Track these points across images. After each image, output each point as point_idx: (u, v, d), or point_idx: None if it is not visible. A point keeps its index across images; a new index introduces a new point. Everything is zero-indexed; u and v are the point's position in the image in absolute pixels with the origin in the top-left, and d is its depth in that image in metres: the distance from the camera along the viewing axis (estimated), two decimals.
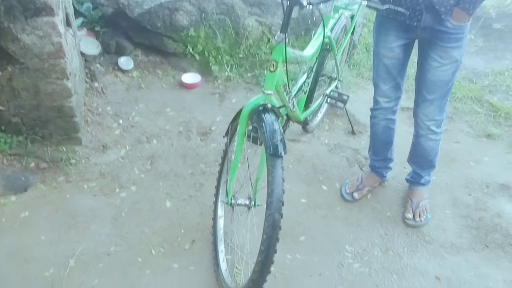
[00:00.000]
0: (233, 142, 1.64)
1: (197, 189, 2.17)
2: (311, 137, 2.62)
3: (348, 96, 2.24)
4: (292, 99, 1.83)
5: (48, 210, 2.03)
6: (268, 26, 3.25)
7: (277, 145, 1.33)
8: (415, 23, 1.63)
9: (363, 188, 2.18)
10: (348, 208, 2.14)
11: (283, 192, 1.29)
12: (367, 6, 1.31)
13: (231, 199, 1.63)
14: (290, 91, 1.73)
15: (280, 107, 1.52)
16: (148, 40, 3.10)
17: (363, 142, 2.60)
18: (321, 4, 1.31)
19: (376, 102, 2.03)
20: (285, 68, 1.51)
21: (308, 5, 1.29)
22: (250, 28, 3.18)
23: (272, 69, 1.46)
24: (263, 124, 1.40)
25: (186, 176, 2.25)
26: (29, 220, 1.98)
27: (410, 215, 2.06)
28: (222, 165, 1.81)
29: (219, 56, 3.17)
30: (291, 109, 1.89)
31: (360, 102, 3.01)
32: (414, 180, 2.14)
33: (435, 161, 2.07)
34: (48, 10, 1.97)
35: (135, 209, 2.05)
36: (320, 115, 2.70)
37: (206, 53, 3.14)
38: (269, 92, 1.49)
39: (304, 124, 2.27)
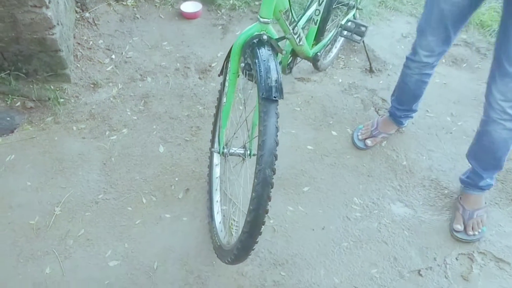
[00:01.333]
0: (226, 81, 1.41)
1: (193, 133, 1.98)
2: (323, 76, 2.34)
3: (366, 27, 1.92)
4: (298, 30, 1.55)
5: (34, 153, 1.89)
6: None
7: (270, 87, 1.09)
8: None
9: (378, 135, 1.93)
10: (359, 156, 1.93)
11: (277, 144, 1.08)
12: None
13: (224, 148, 1.44)
14: (294, 19, 1.45)
15: (279, 39, 1.25)
16: None
17: (381, 82, 2.31)
18: None
19: (414, 52, 1.66)
20: None
21: None
22: None
23: None
24: (256, 61, 1.16)
25: (182, 118, 2.05)
26: (14, 163, 1.85)
27: (460, 227, 1.63)
28: (217, 108, 1.59)
29: None
30: (297, 42, 1.61)
31: (381, 36, 2.66)
32: (471, 182, 1.68)
33: (503, 160, 1.58)
34: None
35: (126, 154, 1.89)
36: (334, 51, 2.40)
37: None
38: (266, 20, 1.22)
39: (315, 60, 1.98)
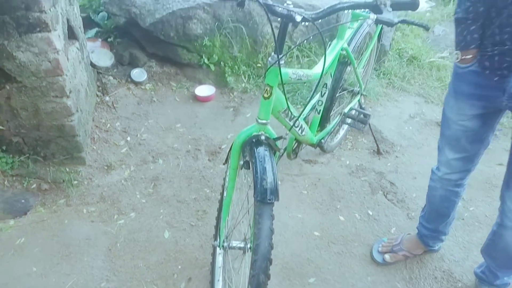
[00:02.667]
0: (227, 175, 1.44)
1: (200, 217, 1.99)
2: (331, 157, 2.36)
3: (369, 115, 1.97)
4: (299, 123, 1.60)
5: (44, 237, 1.92)
6: (289, 33, 3.01)
7: (265, 189, 1.11)
8: (501, 86, 1.18)
9: (399, 251, 1.77)
10: (367, 245, 1.87)
11: (272, 248, 1.07)
12: (376, 22, 1.06)
13: (224, 241, 1.43)
14: (294, 115, 1.50)
15: (276, 139, 1.30)
16: (162, 51, 2.97)
17: (389, 164, 2.31)
18: (319, 19, 1.08)
19: (437, 166, 1.57)
20: (283, 91, 1.29)
21: (302, 22, 1.06)
22: (269, 35, 2.97)
23: (266, 95, 1.25)
24: (254, 160, 1.19)
25: (189, 201, 2.07)
26: (23, 247, 1.87)
27: None
28: (221, 200, 1.61)
29: (236, 66, 2.99)
30: (299, 133, 1.66)
31: (389, 117, 2.71)
32: (486, 279, 1.59)
33: None
34: (43, 26, 1.86)
35: (131, 239, 1.90)
36: (342, 132, 2.44)
37: (222, 63, 2.97)
38: (264, 121, 1.27)
39: (319, 146, 2.02)
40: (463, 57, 1.23)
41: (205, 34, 2.84)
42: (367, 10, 1.34)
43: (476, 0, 1.15)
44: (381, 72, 3.11)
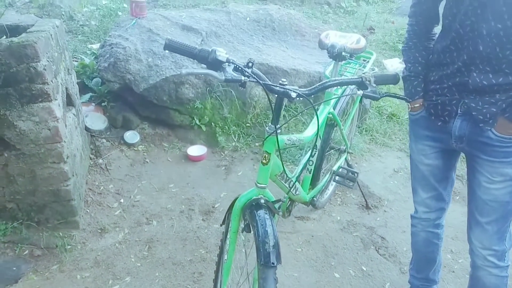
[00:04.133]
0: (227, 238, 1.48)
1: (196, 279, 1.99)
2: (322, 214, 2.43)
3: (357, 174, 2.08)
4: (293, 184, 1.69)
5: None
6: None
7: (268, 253, 1.16)
8: (447, 130, 1.35)
9: None
10: None
11: None
12: (363, 96, 1.19)
13: None
14: (289, 177, 1.59)
15: (275, 202, 1.37)
16: (155, 114, 3.08)
17: (378, 218, 2.39)
18: (312, 95, 1.20)
19: (415, 209, 1.69)
20: (279, 157, 1.38)
21: (297, 98, 1.18)
22: (257, 97, 3.14)
23: (264, 161, 1.34)
24: (255, 224, 1.25)
25: (185, 263, 2.08)
26: None
27: None
28: (218, 262, 1.64)
29: (226, 127, 3.11)
30: (294, 193, 1.74)
31: (374, 172, 2.83)
32: None
33: None
34: (45, 96, 1.96)
35: None
36: (331, 188, 2.53)
37: (212, 124, 3.09)
38: (263, 185, 1.35)
39: (312, 204, 2.09)
40: (412, 106, 1.44)
41: (197, 98, 2.98)
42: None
43: (415, 62, 1.41)
44: (363, 129, 3.28)
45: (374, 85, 1.20)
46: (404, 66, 1.52)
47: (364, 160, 2.97)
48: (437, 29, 1.43)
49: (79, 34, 4.05)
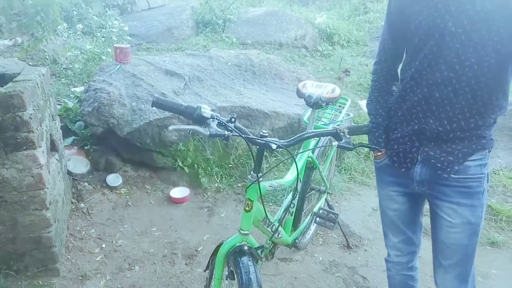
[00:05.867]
0: (211, 285, 1.51)
1: None
2: (304, 255, 2.47)
3: (337, 215, 2.14)
4: (276, 228, 1.74)
5: None
6: (257, 136, 3.29)
7: None
8: (409, 175, 1.42)
9: None
10: None
11: None
12: (338, 147, 1.28)
13: None
14: (271, 222, 1.64)
15: (258, 248, 1.41)
16: (138, 156, 3.12)
17: (359, 258, 2.44)
18: (290, 146, 1.29)
19: (387, 253, 1.72)
20: (261, 203, 1.44)
21: (277, 149, 1.26)
22: (239, 139, 3.22)
23: (247, 208, 1.39)
24: (239, 272, 1.29)
25: None
26: None
27: None
28: None
29: (209, 168, 3.16)
30: (276, 236, 1.78)
31: (354, 211, 2.90)
32: None
33: None
34: (30, 144, 1.98)
35: None
36: (313, 228, 2.58)
37: (195, 165, 3.14)
38: (246, 232, 1.40)
39: (294, 245, 2.13)
40: (375, 155, 1.52)
41: (180, 140, 3.05)
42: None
43: (376, 113, 1.50)
44: (342, 168, 3.38)
45: (348, 136, 1.30)
46: None
47: (344, 199, 3.05)
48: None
49: (62, 78, 4.11)
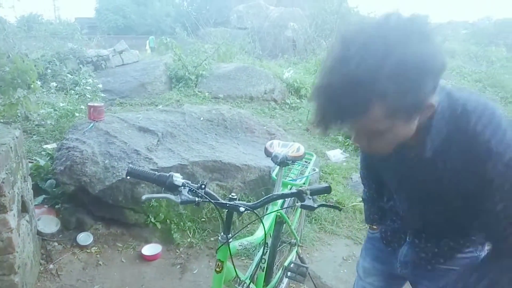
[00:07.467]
0: None
1: None
2: None
3: (307, 268, 2.21)
4: (248, 285, 1.78)
5: None
6: (229, 189, 3.37)
7: None
8: (396, 255, 1.36)
9: None
10: None
11: None
12: (301, 207, 1.39)
13: None
14: (241, 280, 1.69)
15: None
16: (109, 213, 3.12)
17: None
18: (258, 208, 1.39)
19: None
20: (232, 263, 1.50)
21: (245, 211, 1.36)
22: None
23: (218, 269, 1.45)
24: None
25: None
26: None
27: None
28: None
29: (181, 223, 3.19)
30: None
31: (325, 261, 2.97)
32: None
33: None
34: (1, 208, 1.99)
35: None
36: (285, 281, 2.61)
37: (168, 220, 3.16)
38: None
39: None
40: (371, 227, 1.53)
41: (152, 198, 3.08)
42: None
43: (370, 189, 1.51)
44: (312, 218, 3.48)
45: (310, 196, 1.41)
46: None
47: (315, 250, 3.12)
48: None
49: (34, 134, 4.12)
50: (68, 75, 4.89)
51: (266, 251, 2.09)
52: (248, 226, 3.02)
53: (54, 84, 4.55)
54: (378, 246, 1.47)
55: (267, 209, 2.13)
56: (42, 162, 3.36)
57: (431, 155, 1.00)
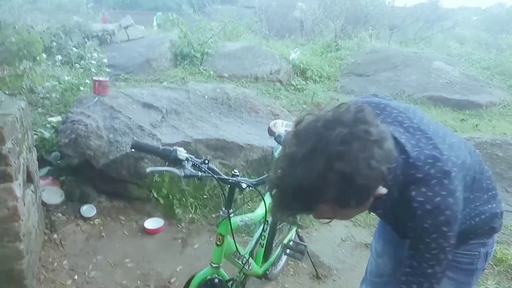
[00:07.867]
0: None
1: None
2: (276, 285, 2.54)
3: (305, 246, 2.26)
4: (247, 260, 1.83)
5: None
6: (231, 168, 3.40)
7: None
8: None
9: None
10: None
11: None
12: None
13: None
14: (241, 254, 1.73)
15: (229, 280, 1.50)
16: (113, 187, 3.16)
17: None
18: (259, 185, 1.41)
19: None
20: (232, 238, 1.54)
21: (247, 187, 1.38)
22: None
23: (218, 243, 1.49)
24: None
25: None
26: None
27: None
28: None
29: (184, 199, 3.23)
30: (247, 268, 1.87)
31: (324, 241, 3.02)
32: None
33: None
34: (7, 177, 2.02)
35: None
36: (284, 258, 2.67)
37: (170, 196, 3.20)
38: (217, 265, 1.49)
39: (265, 277, 2.22)
40: None
41: (156, 171, 3.11)
42: None
43: None
44: None
45: None
46: None
47: (314, 230, 3.16)
48: None
49: (39, 107, 4.14)
50: (73, 48, 4.87)
51: (266, 228, 2.12)
52: (249, 204, 3.07)
53: (59, 57, 4.54)
54: (388, 229, 1.48)
55: None
56: (47, 135, 3.39)
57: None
